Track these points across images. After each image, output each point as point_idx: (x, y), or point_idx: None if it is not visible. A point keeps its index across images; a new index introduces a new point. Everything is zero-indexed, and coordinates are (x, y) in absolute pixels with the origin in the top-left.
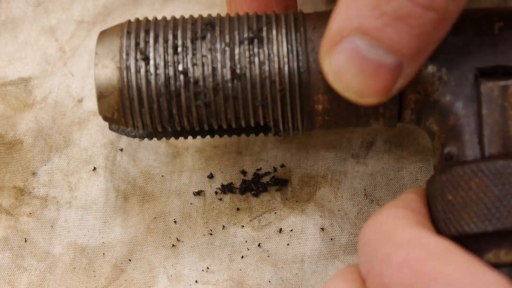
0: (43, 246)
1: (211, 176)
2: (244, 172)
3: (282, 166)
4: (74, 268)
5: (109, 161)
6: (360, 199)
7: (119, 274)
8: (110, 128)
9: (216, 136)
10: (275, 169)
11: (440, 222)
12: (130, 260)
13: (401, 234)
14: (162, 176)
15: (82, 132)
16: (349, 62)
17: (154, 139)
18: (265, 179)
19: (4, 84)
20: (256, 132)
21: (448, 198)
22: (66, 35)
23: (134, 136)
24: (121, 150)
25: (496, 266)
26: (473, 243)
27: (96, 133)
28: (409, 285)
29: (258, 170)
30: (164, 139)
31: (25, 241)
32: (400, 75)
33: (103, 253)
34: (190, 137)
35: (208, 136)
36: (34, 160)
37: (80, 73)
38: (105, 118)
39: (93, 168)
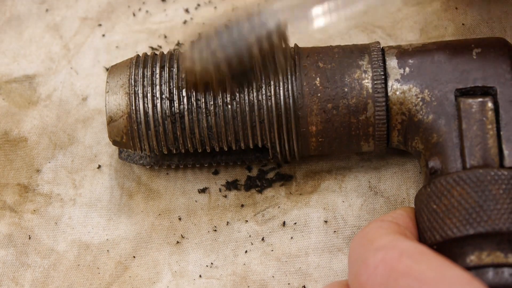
0: (47, 243)
1: (216, 173)
2: (249, 168)
3: (287, 162)
4: (78, 265)
5: (114, 159)
6: (365, 190)
7: (123, 271)
8: (120, 157)
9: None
10: (279, 165)
11: (426, 231)
12: (134, 257)
13: (380, 241)
14: (167, 173)
15: (86, 130)
16: None
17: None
18: (270, 175)
19: (8, 81)
20: (255, 155)
21: (433, 207)
22: (70, 32)
23: (143, 164)
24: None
25: (479, 267)
26: (456, 247)
27: (100, 131)
28: (382, 282)
29: (263, 166)
30: None
31: (29, 238)
32: None
33: (108, 250)
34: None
35: (209, 165)
36: (38, 158)
37: (85, 71)
38: (115, 143)
39: (97, 166)
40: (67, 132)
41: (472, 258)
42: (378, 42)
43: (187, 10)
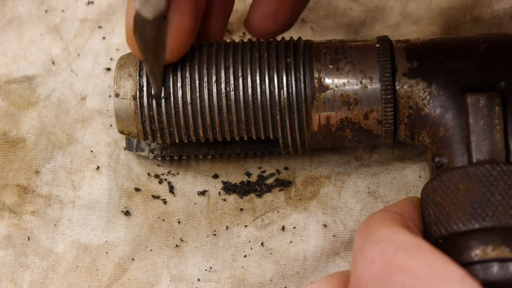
0: (46, 244)
1: (216, 177)
2: (248, 174)
3: (286, 168)
4: (77, 266)
5: (113, 160)
6: (364, 196)
7: (122, 273)
8: (128, 148)
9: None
10: (278, 172)
11: (431, 225)
12: (133, 259)
13: (379, 232)
14: (166, 174)
15: (85, 130)
16: None
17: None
18: (269, 181)
19: (8, 81)
20: (265, 147)
21: (438, 201)
22: (70, 34)
23: (152, 155)
24: (125, 148)
25: (485, 261)
26: (461, 241)
27: (99, 131)
28: (377, 276)
29: (262, 172)
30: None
31: (28, 239)
32: None
33: (106, 252)
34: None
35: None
36: (37, 158)
37: (84, 72)
38: (123, 131)
39: (96, 167)
40: (66, 132)
41: (477, 252)
42: (386, 36)
43: None
